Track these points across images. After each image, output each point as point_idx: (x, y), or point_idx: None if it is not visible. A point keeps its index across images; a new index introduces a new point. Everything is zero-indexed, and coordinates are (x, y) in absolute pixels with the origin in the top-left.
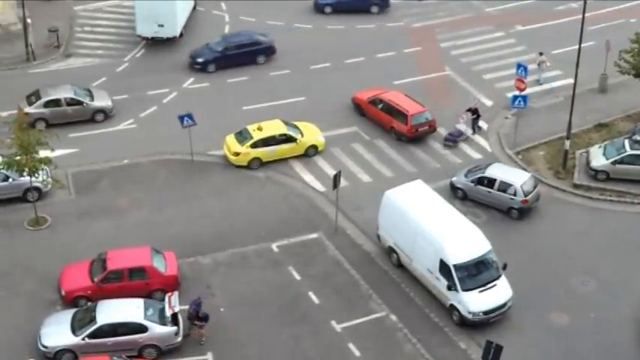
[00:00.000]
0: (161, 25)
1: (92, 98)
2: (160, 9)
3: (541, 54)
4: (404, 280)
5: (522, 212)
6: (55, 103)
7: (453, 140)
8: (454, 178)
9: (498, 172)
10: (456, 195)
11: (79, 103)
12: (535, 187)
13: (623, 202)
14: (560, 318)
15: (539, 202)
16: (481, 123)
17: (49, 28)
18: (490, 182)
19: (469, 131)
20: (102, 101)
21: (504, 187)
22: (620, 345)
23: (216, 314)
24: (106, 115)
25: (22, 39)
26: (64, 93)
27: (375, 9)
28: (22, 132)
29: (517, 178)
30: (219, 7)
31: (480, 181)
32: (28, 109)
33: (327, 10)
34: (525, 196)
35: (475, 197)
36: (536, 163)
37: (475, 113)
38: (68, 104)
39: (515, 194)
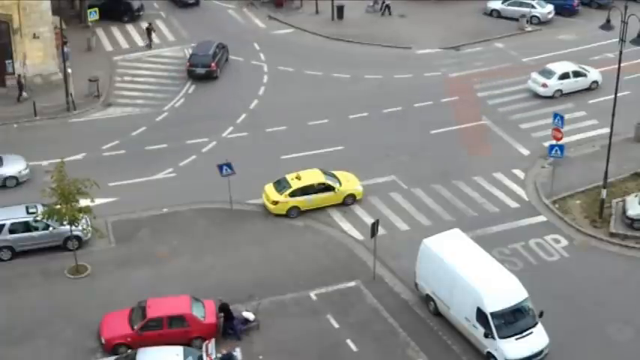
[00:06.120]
0: None
1: None
2: None
3: None
4: (441, 328)
5: None
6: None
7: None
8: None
9: None
10: None
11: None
12: None
13: None
14: None
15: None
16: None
17: (89, 77)
18: None
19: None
20: None
21: None
22: None
23: None
24: None
25: (62, 89)
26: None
27: None
28: (62, 181)
29: None
30: (258, 57)
31: None
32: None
33: None
34: None
35: None
36: (572, 211)
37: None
38: None
39: None
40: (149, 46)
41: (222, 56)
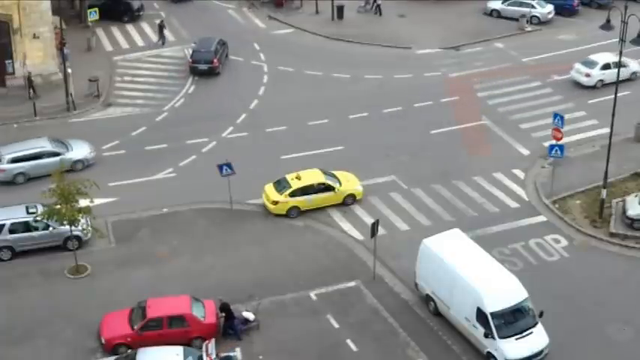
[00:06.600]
0: None
1: None
2: None
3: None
4: (441, 328)
5: None
6: None
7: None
8: None
9: None
10: None
11: None
12: None
13: None
14: None
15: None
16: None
17: (89, 77)
18: None
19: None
20: None
21: None
22: None
23: None
24: None
25: (62, 89)
26: None
27: None
28: (62, 181)
29: None
30: (258, 57)
31: None
32: None
33: None
34: None
35: None
36: (572, 211)
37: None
38: None
39: None
40: (162, 43)
41: (223, 52)
